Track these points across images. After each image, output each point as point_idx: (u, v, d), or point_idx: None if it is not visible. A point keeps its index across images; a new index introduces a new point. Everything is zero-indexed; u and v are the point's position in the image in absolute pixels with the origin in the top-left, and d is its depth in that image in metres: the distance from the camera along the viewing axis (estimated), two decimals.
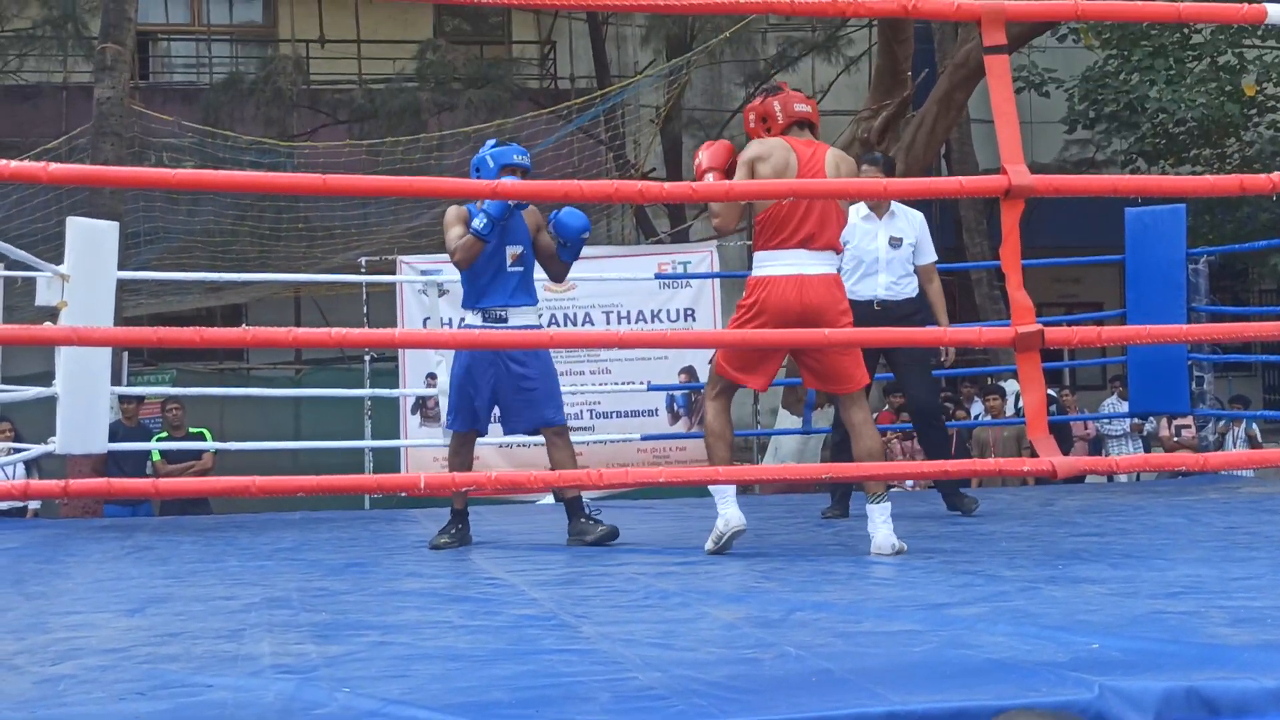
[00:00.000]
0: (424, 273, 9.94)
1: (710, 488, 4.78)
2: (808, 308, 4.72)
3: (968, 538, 5.23)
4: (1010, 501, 6.86)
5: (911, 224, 6.29)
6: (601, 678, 2.73)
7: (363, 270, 11.00)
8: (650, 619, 3.51)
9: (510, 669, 2.85)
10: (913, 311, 6.24)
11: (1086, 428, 12.42)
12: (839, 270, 4.98)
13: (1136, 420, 11.63)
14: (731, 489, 4.82)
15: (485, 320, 5.47)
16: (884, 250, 6.21)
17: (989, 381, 12.43)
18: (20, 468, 8.24)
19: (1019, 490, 8.42)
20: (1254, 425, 12.33)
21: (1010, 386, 12.53)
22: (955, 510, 6.27)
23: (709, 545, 4.82)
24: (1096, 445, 12.47)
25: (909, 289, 6.26)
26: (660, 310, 10.97)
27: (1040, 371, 2.92)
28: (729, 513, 4.80)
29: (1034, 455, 3.09)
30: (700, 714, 2.37)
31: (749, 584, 4.12)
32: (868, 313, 6.02)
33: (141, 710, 2.50)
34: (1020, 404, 12.14)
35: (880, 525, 4.73)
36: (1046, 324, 3.00)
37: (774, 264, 4.79)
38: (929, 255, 6.35)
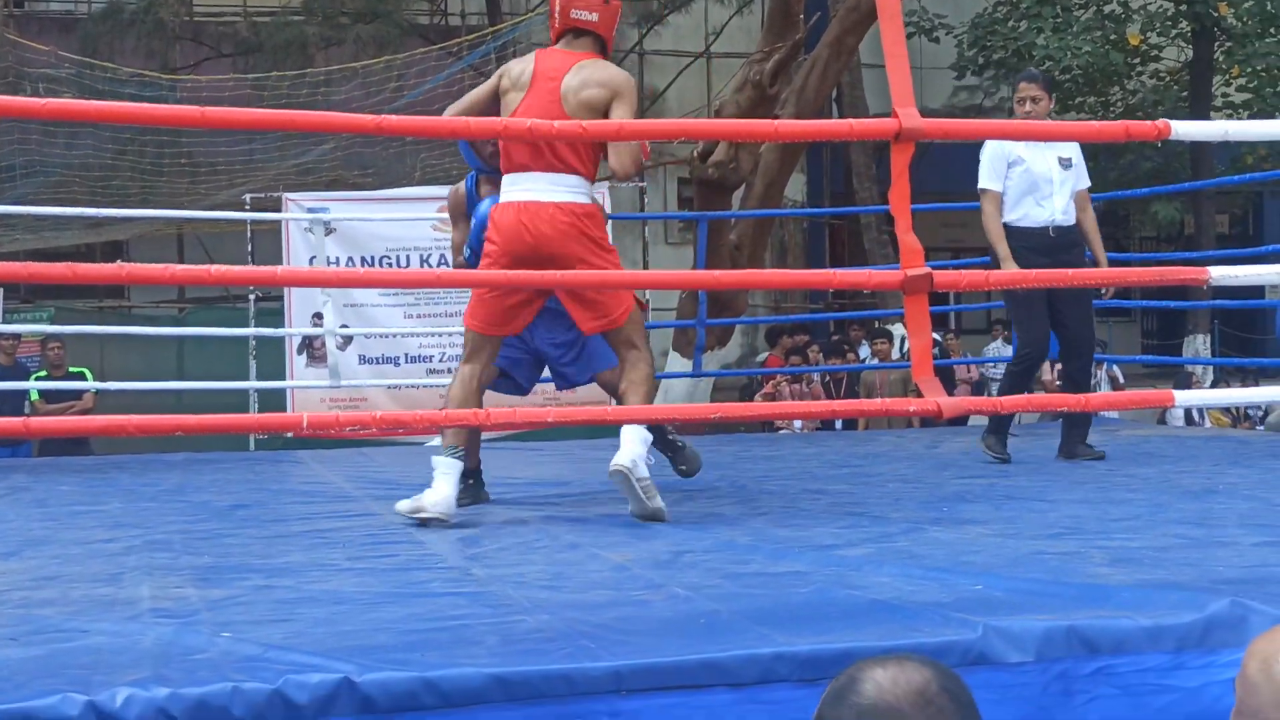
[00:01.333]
0: (310, 210, 9.77)
1: (434, 459, 4.18)
2: (539, 239, 4.13)
3: (854, 479, 5.28)
4: (896, 443, 6.94)
5: (1073, 144, 5.80)
6: (490, 620, 2.71)
7: (247, 208, 10.79)
8: (540, 561, 3.49)
9: (397, 612, 2.82)
10: (1079, 238, 5.79)
11: (970, 371, 12.61)
12: (593, 200, 4.32)
13: None
14: (456, 468, 4.17)
15: None
16: (1056, 172, 5.69)
17: (876, 325, 12.57)
18: None
19: (904, 432, 8.53)
20: (1115, 368, 12.60)
21: (897, 330, 12.68)
22: (1073, 457, 5.77)
23: (403, 505, 4.18)
24: (979, 388, 12.66)
25: (1074, 214, 5.74)
26: None
27: (928, 315, 2.94)
28: (440, 495, 4.11)
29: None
30: (588, 656, 2.37)
31: (639, 525, 4.12)
32: (1043, 241, 5.60)
33: (14, 656, 2.43)
34: (906, 347, 12.30)
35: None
36: (934, 268, 3.02)
37: (506, 190, 4.25)
38: (1087, 179, 5.88)
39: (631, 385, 4.35)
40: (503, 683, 2.26)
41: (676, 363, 11.33)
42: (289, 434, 9.28)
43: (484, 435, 9.60)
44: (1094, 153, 15.50)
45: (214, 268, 2.87)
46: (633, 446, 4.18)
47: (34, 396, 10.03)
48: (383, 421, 3.03)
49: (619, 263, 4.41)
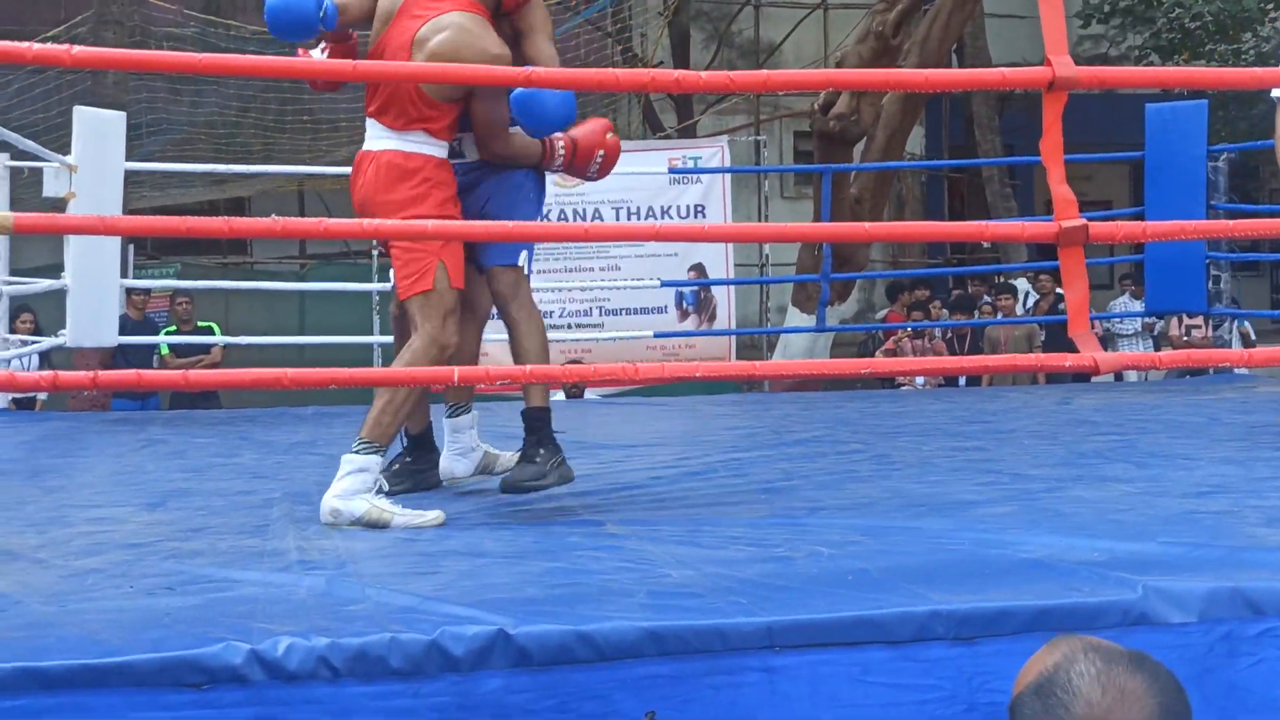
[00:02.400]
0: None
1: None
2: (358, 189, 3.68)
3: (987, 435, 5.20)
4: (1026, 400, 6.82)
5: None
6: (635, 575, 2.70)
7: None
8: (675, 517, 3.48)
9: (541, 565, 2.83)
10: None
11: (1095, 326, 12.36)
12: (434, 153, 3.64)
13: (1148, 319, 11.58)
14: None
15: None
16: None
17: (999, 280, 12.37)
18: (35, 359, 8.20)
19: (1032, 389, 8.39)
20: (1245, 323, 12.27)
21: (1021, 285, 12.47)
22: None
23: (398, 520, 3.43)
24: (1105, 344, 12.43)
25: None
26: (670, 206, 10.88)
27: (1084, 267, 2.86)
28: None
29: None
30: (740, 611, 2.35)
31: (771, 479, 4.09)
32: None
33: (172, 605, 2.47)
34: (1030, 302, 12.10)
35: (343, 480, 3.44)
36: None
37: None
38: None
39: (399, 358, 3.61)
40: (655, 636, 2.25)
41: (795, 318, 11.26)
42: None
43: (609, 391, 9.62)
44: (1223, 102, 15.09)
45: (325, 221, 2.87)
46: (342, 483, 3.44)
47: (164, 351, 10.23)
48: (532, 376, 3.02)
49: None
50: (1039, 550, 2.80)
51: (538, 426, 3.68)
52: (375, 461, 3.47)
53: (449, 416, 3.97)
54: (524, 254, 3.81)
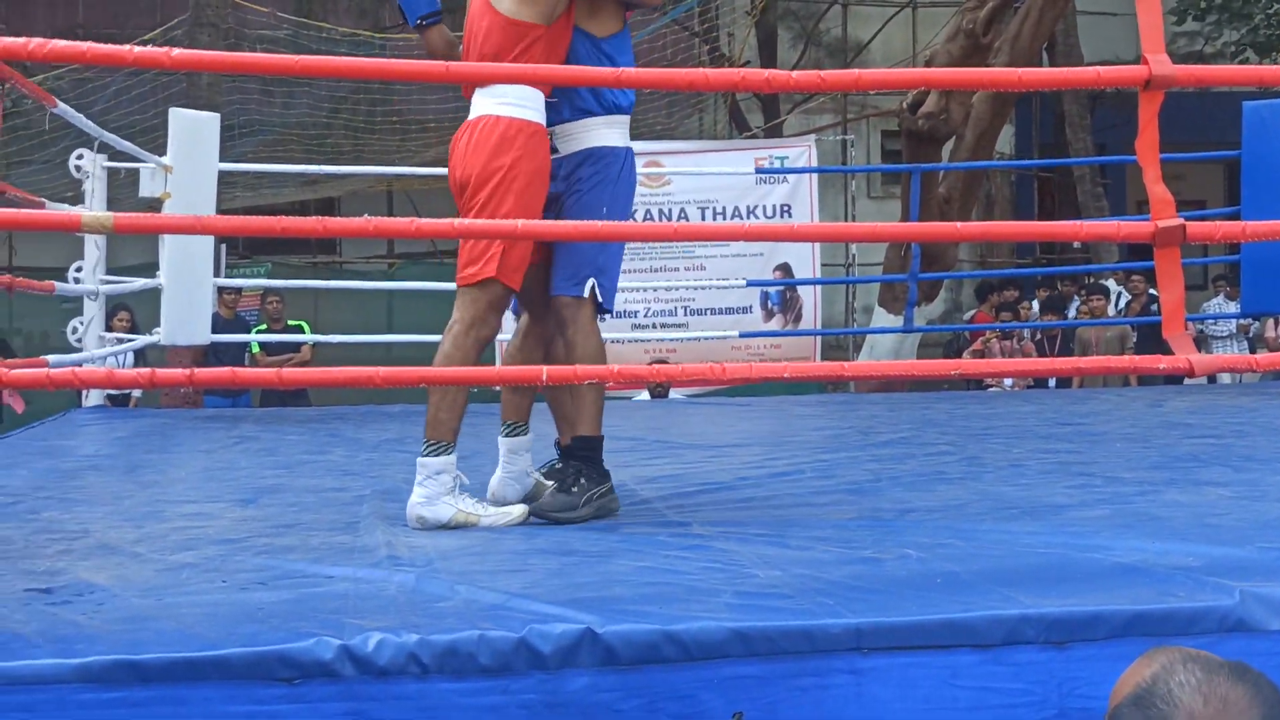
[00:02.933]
0: None
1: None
2: (452, 167, 3.57)
3: (1079, 438, 5.13)
4: (1118, 402, 6.73)
5: None
6: (721, 575, 2.69)
7: None
8: (762, 518, 3.47)
9: (628, 564, 2.83)
10: None
11: (1189, 328, 12.15)
12: (532, 116, 3.48)
13: (1243, 321, 11.37)
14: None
15: None
16: None
17: (1089, 280, 12.20)
18: (130, 357, 8.35)
19: (1123, 391, 8.27)
20: None
21: (1112, 286, 12.29)
22: None
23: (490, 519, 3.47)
24: (1198, 346, 12.22)
25: None
26: (756, 206, 10.86)
27: (1180, 268, 2.82)
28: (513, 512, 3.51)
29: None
30: (827, 613, 2.33)
31: (859, 480, 4.07)
32: None
33: (265, 600, 2.50)
34: (1123, 304, 11.92)
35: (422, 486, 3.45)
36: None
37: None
38: None
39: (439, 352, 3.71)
40: (743, 637, 2.25)
41: (882, 318, 11.18)
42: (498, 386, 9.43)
43: (693, 391, 9.61)
44: None
45: (416, 221, 2.88)
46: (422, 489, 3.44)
47: (254, 349, 10.38)
48: (620, 375, 3.02)
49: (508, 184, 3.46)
50: (1132, 555, 2.76)
51: (581, 454, 3.54)
52: (448, 461, 3.46)
53: (506, 435, 3.76)
54: (591, 283, 3.63)
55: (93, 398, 6.93)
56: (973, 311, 13.29)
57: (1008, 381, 10.02)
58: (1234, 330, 12.03)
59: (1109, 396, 7.36)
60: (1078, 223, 2.54)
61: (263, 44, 13.49)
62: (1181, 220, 2.77)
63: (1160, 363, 2.80)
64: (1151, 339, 9.47)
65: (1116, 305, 11.95)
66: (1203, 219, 11.88)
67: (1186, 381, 9.25)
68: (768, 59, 16.53)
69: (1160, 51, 2.85)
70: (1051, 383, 9.91)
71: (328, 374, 2.59)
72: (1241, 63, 16.01)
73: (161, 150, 6.80)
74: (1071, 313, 11.70)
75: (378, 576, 2.70)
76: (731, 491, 3.94)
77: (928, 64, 10.94)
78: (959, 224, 3.71)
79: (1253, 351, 12.02)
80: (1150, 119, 2.87)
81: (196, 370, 2.57)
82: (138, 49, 2.48)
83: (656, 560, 2.88)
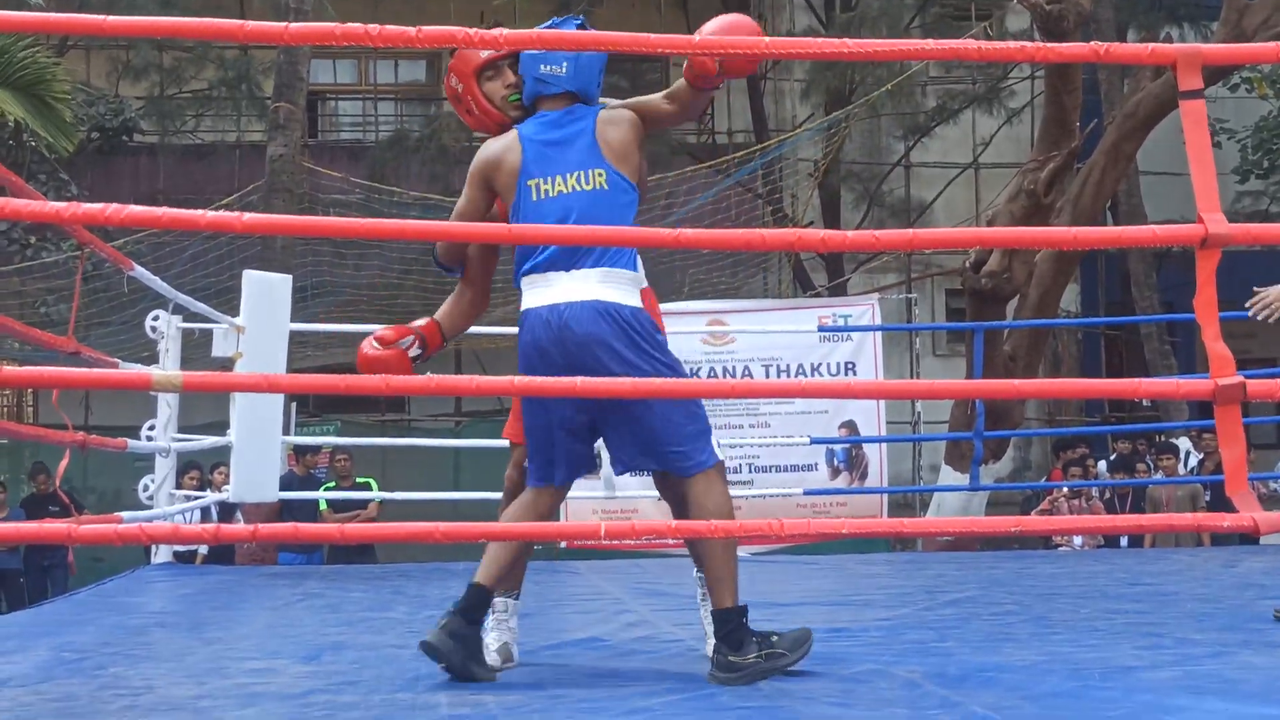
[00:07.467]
0: None
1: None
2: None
3: (1149, 598, 5.06)
4: (1190, 563, 6.62)
5: None
6: None
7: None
8: (827, 676, 3.43)
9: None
10: None
11: (1257, 486, 11.97)
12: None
13: None
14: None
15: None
16: None
17: (1159, 439, 12.08)
18: (198, 513, 8.44)
19: (1197, 551, 8.13)
20: None
21: (1182, 444, 12.16)
22: None
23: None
24: (1271, 505, 12.01)
25: None
26: (820, 363, 10.88)
27: (1241, 426, 2.80)
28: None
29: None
30: None
31: (926, 641, 4.02)
32: None
33: None
34: (1192, 463, 11.77)
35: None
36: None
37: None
38: None
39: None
40: None
41: (948, 476, 11.10)
42: (561, 544, 9.45)
43: (758, 549, 9.54)
44: None
45: (476, 378, 2.94)
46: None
47: (322, 506, 10.45)
48: (677, 532, 3.03)
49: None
50: (1206, 718, 2.70)
51: (721, 629, 3.45)
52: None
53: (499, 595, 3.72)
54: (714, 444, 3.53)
55: (161, 554, 7.00)
56: (1048, 473, 13.18)
57: (1078, 541, 9.87)
58: None
59: (1181, 556, 7.25)
60: (1136, 380, 2.53)
61: (335, 207, 13.84)
62: (1241, 378, 2.77)
63: (1224, 520, 2.77)
64: (1224, 498, 9.34)
65: (1186, 464, 11.80)
66: (1272, 377, 11.76)
67: (1262, 541, 9.09)
68: (830, 219, 16.72)
69: (1216, 210, 2.88)
70: (1124, 542, 9.76)
71: (389, 529, 2.62)
72: None
73: (236, 311, 6.96)
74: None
75: None
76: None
77: (989, 223, 11.03)
78: (1018, 381, 3.70)
79: None
80: (1208, 277, 2.88)
81: (260, 526, 2.61)
82: (210, 214, 2.58)
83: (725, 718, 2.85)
